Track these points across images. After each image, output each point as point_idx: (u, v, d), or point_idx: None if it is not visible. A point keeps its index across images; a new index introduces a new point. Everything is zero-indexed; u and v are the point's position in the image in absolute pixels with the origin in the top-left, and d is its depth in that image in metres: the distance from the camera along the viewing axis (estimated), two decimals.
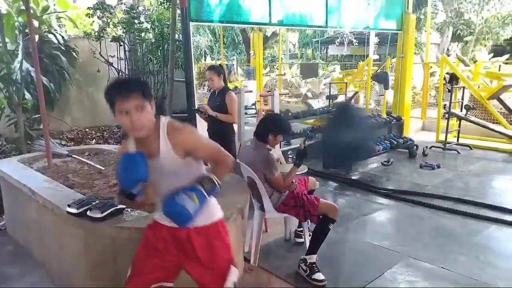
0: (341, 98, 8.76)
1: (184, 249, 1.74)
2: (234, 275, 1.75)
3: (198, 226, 1.72)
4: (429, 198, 4.40)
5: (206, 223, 1.74)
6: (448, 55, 13.81)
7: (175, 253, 1.76)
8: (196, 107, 4.52)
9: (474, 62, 9.69)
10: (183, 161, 1.64)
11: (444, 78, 7.27)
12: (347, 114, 1.55)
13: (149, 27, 6.80)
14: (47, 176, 3.33)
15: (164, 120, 1.63)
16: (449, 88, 6.97)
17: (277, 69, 14.47)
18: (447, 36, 15.88)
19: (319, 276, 2.76)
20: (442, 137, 6.85)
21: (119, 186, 1.66)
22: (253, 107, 9.58)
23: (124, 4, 6.70)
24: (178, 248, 1.75)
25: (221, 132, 3.95)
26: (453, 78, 7.00)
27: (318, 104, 9.63)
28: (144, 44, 6.94)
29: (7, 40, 5.24)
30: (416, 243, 3.40)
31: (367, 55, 10.99)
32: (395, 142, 6.11)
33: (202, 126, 4.52)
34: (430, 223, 3.85)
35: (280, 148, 5.26)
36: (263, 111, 6.44)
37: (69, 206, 2.46)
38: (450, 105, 6.75)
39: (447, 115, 6.78)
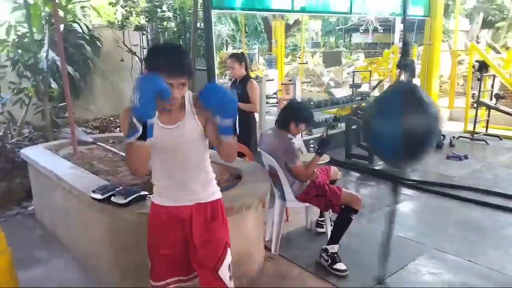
0: (365, 87, 8.58)
1: (186, 228, 1.71)
2: (229, 258, 1.74)
3: (200, 202, 1.71)
4: (456, 189, 4.28)
5: (208, 200, 1.73)
6: (478, 42, 13.28)
7: (181, 236, 1.72)
8: None
9: (507, 49, 9.29)
10: (201, 130, 1.66)
11: (473, 66, 7.01)
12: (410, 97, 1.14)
13: (171, 16, 6.80)
14: (73, 163, 3.40)
15: (188, 92, 1.67)
16: (479, 77, 6.71)
17: (299, 57, 14.28)
18: (477, 22, 15.29)
19: (340, 266, 2.73)
20: (470, 127, 6.63)
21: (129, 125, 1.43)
22: (274, 96, 9.52)
23: None
24: (181, 229, 1.72)
25: (242, 120, 3.90)
26: (483, 66, 6.74)
27: (341, 93, 9.47)
28: (166, 33, 6.96)
29: (34, 30, 5.33)
30: (441, 235, 3.32)
31: (393, 43, 10.71)
32: None
33: None
34: (456, 215, 3.75)
35: (302, 137, 5.22)
36: (284, 100, 6.38)
37: (93, 192, 2.50)
38: (479, 94, 6.51)
39: (475, 105, 6.55)
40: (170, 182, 1.70)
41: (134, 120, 1.40)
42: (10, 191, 4.25)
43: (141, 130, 1.41)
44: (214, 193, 1.77)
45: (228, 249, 1.75)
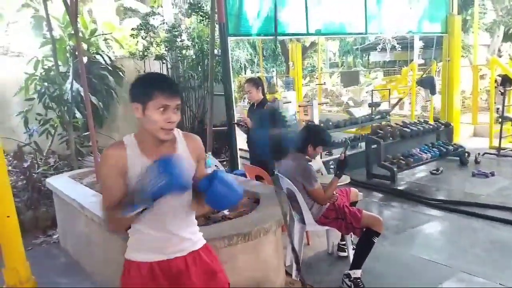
0: (384, 106, 8.50)
1: (180, 281, 1.50)
2: None
3: (194, 250, 1.54)
4: (483, 208, 4.12)
5: (200, 246, 1.57)
6: (500, 56, 13.04)
7: None
8: (235, 121, 4.57)
9: None
10: (193, 169, 1.51)
11: (496, 81, 6.86)
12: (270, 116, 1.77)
13: (189, 44, 7.00)
14: (96, 191, 3.47)
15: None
16: (502, 91, 6.55)
17: (317, 78, 14.34)
18: (498, 36, 15.05)
19: None
20: (495, 142, 6.43)
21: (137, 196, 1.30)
22: (294, 117, 9.53)
23: (166, 24, 6.94)
24: (172, 283, 1.50)
25: None
26: (506, 80, 6.59)
27: (360, 112, 9.41)
28: (185, 61, 7.15)
29: (59, 62, 5.59)
30: (469, 257, 3.19)
31: (411, 60, 10.64)
32: (445, 150, 5.82)
33: (242, 138, 4.56)
34: (484, 235, 3.60)
35: (322, 158, 5.18)
36: (303, 121, 6.39)
37: None
38: (503, 108, 6.34)
39: (500, 120, 6.37)
40: (158, 233, 1.47)
41: (139, 200, 1.28)
42: (36, 219, 4.37)
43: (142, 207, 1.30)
44: (201, 237, 1.61)
45: None
